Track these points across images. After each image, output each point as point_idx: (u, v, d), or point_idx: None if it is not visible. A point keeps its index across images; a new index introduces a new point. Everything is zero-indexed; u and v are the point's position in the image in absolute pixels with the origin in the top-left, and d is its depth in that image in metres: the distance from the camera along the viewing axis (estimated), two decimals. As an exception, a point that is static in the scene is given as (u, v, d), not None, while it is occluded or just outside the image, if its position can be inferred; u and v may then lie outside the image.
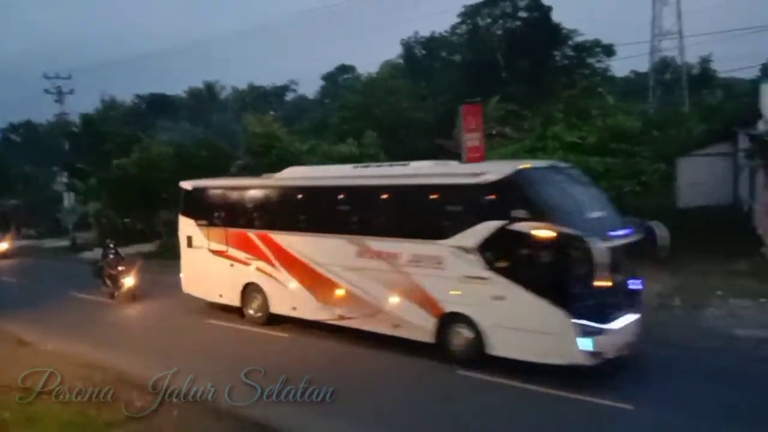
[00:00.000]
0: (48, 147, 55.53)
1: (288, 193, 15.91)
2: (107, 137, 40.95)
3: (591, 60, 43.55)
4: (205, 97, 66.59)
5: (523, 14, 44.13)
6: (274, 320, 15.91)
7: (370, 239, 13.56)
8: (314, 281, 14.67)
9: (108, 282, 20.81)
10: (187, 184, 18.86)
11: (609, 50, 43.46)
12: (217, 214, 17.47)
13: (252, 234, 16.11)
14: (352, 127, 32.49)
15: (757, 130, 21.09)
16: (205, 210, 17.79)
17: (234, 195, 17.41)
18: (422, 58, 51.74)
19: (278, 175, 16.77)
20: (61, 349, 15.19)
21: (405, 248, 12.91)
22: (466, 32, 46.34)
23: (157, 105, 65.19)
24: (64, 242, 38.38)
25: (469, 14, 45.56)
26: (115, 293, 20.59)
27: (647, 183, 20.71)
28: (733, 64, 69.62)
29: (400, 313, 13.06)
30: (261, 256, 15.87)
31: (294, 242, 15.10)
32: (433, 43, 51.16)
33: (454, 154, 26.21)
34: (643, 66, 49.99)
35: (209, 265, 17.23)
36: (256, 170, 28.16)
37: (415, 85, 41.28)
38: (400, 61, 51.96)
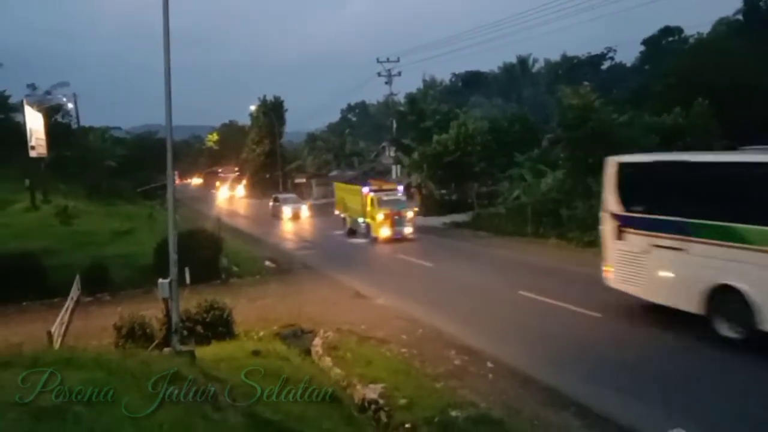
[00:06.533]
0: (378, 124, 62.48)
1: None
2: (427, 115, 44.31)
3: None
4: (517, 72, 67.29)
5: None
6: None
7: None
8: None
9: None
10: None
11: None
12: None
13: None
14: (677, 96, 29.39)
15: None
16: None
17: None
18: None
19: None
20: (390, 303, 17.17)
21: None
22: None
23: (472, 82, 68.14)
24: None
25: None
26: None
27: None
28: None
29: None
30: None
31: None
32: (785, -8, 43.02)
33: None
34: None
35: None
36: (569, 144, 27.56)
37: (759, 44, 35.40)
38: (739, 17, 45.09)
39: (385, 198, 29.38)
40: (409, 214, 29.45)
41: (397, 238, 28.50)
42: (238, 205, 60.80)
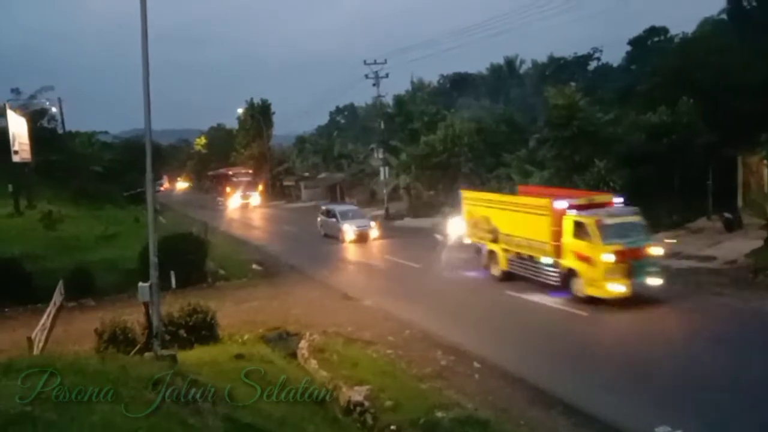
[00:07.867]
0: (367, 126, 62.32)
1: None
2: (415, 116, 44.32)
3: None
4: (504, 73, 67.45)
5: None
6: None
7: None
8: None
9: None
10: None
11: None
12: None
13: None
14: (663, 94, 29.50)
15: None
16: None
17: None
18: (753, 10, 44.36)
19: None
20: (377, 304, 17.09)
21: None
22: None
23: (460, 83, 68.25)
24: (379, 211, 42.84)
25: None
26: None
27: None
28: None
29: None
30: None
31: None
32: (770, -10, 43.43)
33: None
34: None
35: None
36: (556, 143, 27.60)
37: (744, 42, 35.69)
38: (724, 17, 45.49)
39: (608, 222, 15.42)
40: (656, 252, 15.57)
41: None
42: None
